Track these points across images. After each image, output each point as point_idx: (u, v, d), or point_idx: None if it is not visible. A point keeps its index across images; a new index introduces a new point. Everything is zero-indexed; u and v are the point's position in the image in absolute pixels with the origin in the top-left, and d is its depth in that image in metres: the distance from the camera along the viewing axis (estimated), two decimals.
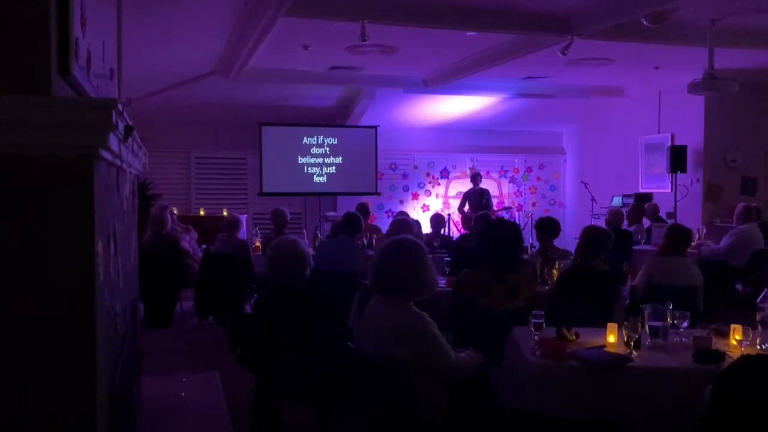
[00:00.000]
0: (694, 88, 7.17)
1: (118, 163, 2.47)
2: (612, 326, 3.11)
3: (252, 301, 7.47)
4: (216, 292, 6.94)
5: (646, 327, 3.06)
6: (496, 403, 2.98)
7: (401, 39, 7.89)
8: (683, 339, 3.12)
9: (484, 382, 3.00)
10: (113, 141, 1.95)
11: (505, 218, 4.48)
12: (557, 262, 4.88)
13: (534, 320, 2.94)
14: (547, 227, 5.46)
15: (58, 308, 1.74)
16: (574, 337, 3.09)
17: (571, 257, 5.09)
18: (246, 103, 11.02)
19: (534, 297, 3.91)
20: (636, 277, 4.94)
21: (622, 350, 2.96)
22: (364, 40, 6.70)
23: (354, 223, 5.62)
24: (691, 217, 10.10)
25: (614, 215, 7.77)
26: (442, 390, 2.84)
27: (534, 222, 5.72)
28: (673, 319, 3.11)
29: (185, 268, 7.38)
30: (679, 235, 4.93)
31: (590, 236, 4.52)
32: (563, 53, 7.45)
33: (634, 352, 2.88)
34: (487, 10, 6.93)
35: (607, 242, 4.55)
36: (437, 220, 7.40)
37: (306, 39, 7.97)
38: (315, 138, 11.66)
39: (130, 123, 2.13)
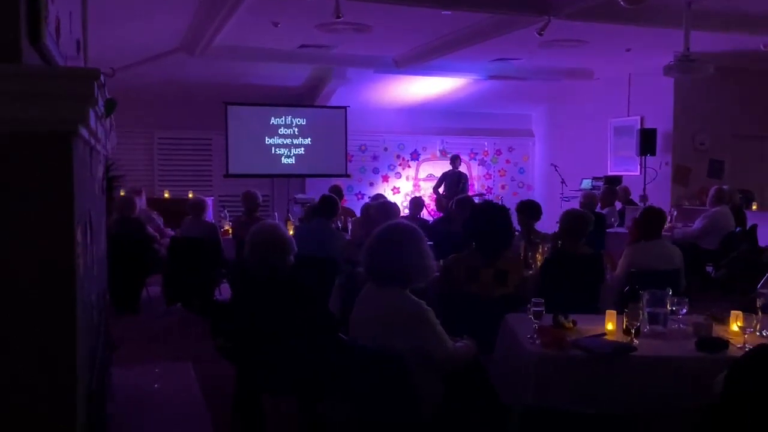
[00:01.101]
0: (669, 70, 7.15)
1: (93, 142, 2.26)
2: (611, 313, 3.02)
3: (220, 287, 7.27)
4: (184, 277, 6.71)
5: (644, 313, 2.98)
6: (492, 393, 2.88)
7: (375, 17, 7.69)
8: (681, 326, 3.05)
9: (479, 372, 2.89)
10: (92, 117, 1.75)
11: (492, 201, 4.39)
12: (540, 246, 4.79)
13: (534, 308, 2.82)
14: (529, 210, 5.38)
15: (36, 305, 1.55)
16: (571, 325, 2.99)
17: (552, 240, 5.01)
18: (211, 81, 10.67)
19: (523, 282, 3.82)
20: (614, 265, 4.89)
21: (621, 338, 2.87)
22: (338, 17, 6.48)
23: (331, 206, 5.44)
24: (660, 200, 10.16)
25: (589, 198, 7.75)
26: (438, 380, 2.72)
27: (515, 206, 5.61)
28: (671, 305, 3.03)
29: (152, 253, 7.12)
30: (654, 218, 4.88)
31: (571, 221, 4.43)
32: (540, 33, 7.35)
33: (635, 341, 2.79)
34: None
35: (588, 226, 4.48)
36: (416, 204, 7.27)
37: (276, 15, 7.71)
38: (283, 118, 11.38)
39: (110, 97, 1.92)
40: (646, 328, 2.96)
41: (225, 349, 3.08)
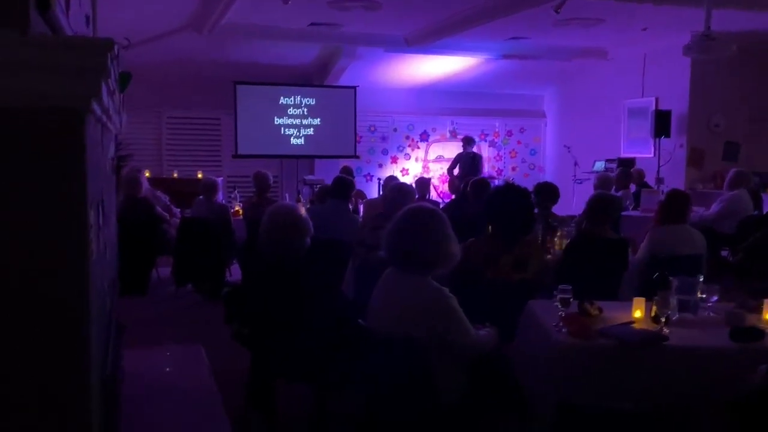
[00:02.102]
0: (689, 49, 6.97)
1: (104, 119, 2.15)
2: (639, 301, 2.91)
3: (231, 268, 7.21)
4: (195, 258, 6.63)
5: (674, 301, 2.87)
6: (516, 382, 2.79)
7: None
8: (711, 314, 2.95)
9: (503, 361, 2.80)
10: (104, 92, 1.64)
11: (514, 183, 4.27)
12: (559, 230, 4.68)
13: (560, 295, 2.72)
14: (547, 193, 5.26)
15: (48, 292, 1.45)
16: (597, 312, 2.89)
17: (573, 224, 4.90)
18: (220, 60, 10.53)
19: (542, 268, 3.71)
20: (635, 249, 4.78)
21: (650, 326, 2.77)
22: None
23: (346, 188, 5.33)
24: (674, 183, 10.00)
25: (603, 180, 7.61)
26: (461, 369, 2.63)
27: (532, 188, 5.49)
28: (702, 292, 2.93)
29: (161, 234, 7.04)
30: (679, 201, 4.76)
31: (596, 203, 4.32)
32: (557, 11, 7.17)
33: (665, 329, 2.69)
34: None
35: (616, 210, 4.37)
36: (422, 184, 7.14)
37: None
38: (292, 98, 11.23)
39: (124, 70, 1.81)
40: (675, 316, 2.86)
41: (240, 334, 3.00)
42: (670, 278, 2.84)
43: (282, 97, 11.20)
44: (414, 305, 2.52)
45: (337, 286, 3.34)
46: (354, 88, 11.34)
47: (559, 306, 2.73)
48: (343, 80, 11.32)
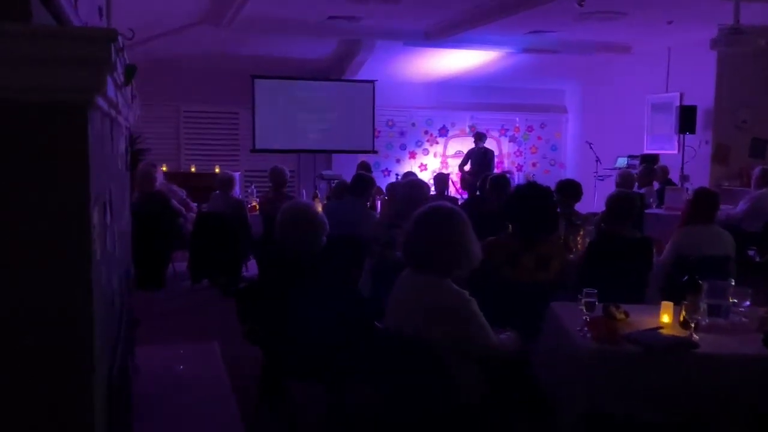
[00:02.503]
0: (717, 43, 6.79)
1: (113, 113, 2.09)
2: (666, 305, 2.80)
3: (247, 264, 7.16)
4: (211, 253, 6.60)
5: (703, 305, 2.75)
6: (538, 386, 2.69)
7: None
8: (743, 319, 2.82)
9: (525, 366, 2.70)
10: (110, 86, 1.57)
11: (537, 182, 4.16)
12: (582, 228, 4.56)
13: (586, 299, 2.62)
14: (569, 190, 5.13)
15: (48, 297, 1.39)
16: (623, 316, 2.78)
17: (594, 222, 4.78)
18: (238, 54, 10.48)
19: (565, 268, 3.60)
20: (661, 249, 4.65)
21: (679, 332, 2.66)
22: None
23: (365, 186, 5.24)
24: (699, 180, 9.80)
25: (625, 178, 7.45)
26: (481, 373, 2.53)
27: (555, 185, 5.36)
28: (733, 296, 2.81)
29: (177, 228, 7.01)
30: (707, 200, 4.63)
31: (615, 202, 4.19)
32: (580, 4, 7.02)
33: (695, 335, 2.58)
34: None
35: (634, 206, 4.24)
36: (441, 180, 7.03)
37: None
38: (310, 92, 11.17)
39: (130, 63, 1.73)
40: (705, 321, 2.74)
41: (253, 333, 2.93)
42: (700, 281, 2.72)
43: (300, 92, 11.13)
44: (433, 308, 2.43)
45: (354, 284, 3.26)
46: (372, 82, 11.24)
47: (584, 310, 2.62)
48: (362, 74, 11.23)
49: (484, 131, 11.17)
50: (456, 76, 11.93)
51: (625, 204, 4.14)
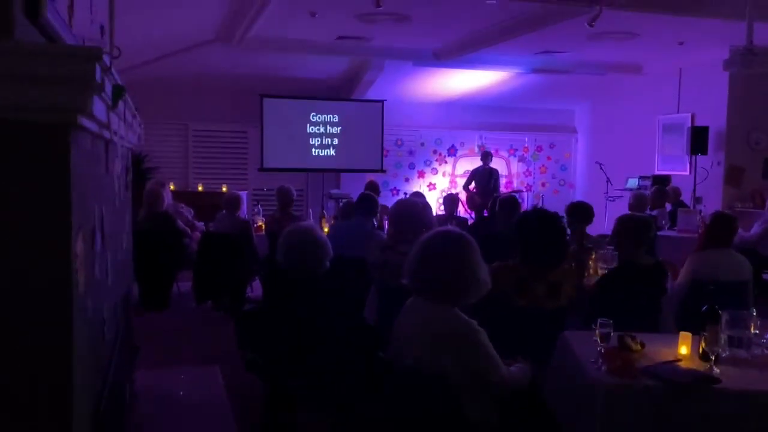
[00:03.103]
0: (730, 64, 6.68)
1: (107, 135, 2.00)
2: (685, 336, 2.67)
3: (252, 284, 7.07)
4: (215, 274, 6.51)
5: (724, 336, 2.62)
6: (550, 419, 2.57)
7: (415, 6, 7.38)
8: (765, 351, 2.69)
9: (537, 396, 2.58)
10: (98, 106, 1.49)
11: (544, 208, 4.03)
12: (593, 251, 4.44)
13: (600, 329, 2.50)
14: (580, 213, 5.01)
15: (22, 333, 1.29)
16: (639, 347, 2.66)
17: (607, 245, 4.66)
18: (247, 73, 10.47)
19: (577, 294, 3.48)
20: (676, 274, 4.52)
21: (698, 365, 2.53)
22: (378, 5, 6.19)
23: (370, 204, 5.15)
24: (712, 202, 9.67)
25: (639, 199, 7.33)
26: (491, 406, 2.42)
27: (565, 208, 5.26)
28: (755, 327, 2.68)
29: (183, 248, 6.93)
30: (724, 224, 4.50)
31: (629, 228, 4.01)
32: (591, 25, 6.94)
33: (716, 369, 2.45)
34: None
35: (649, 232, 4.09)
36: (451, 201, 6.94)
37: (313, 5, 7.45)
38: (319, 111, 11.13)
39: (120, 83, 1.65)
40: (725, 353, 2.61)
41: (254, 363, 2.83)
42: (720, 311, 2.59)
43: (309, 111, 11.10)
44: (440, 339, 2.32)
45: (359, 310, 3.15)
46: (381, 101, 11.20)
47: (599, 341, 2.50)
48: (371, 94, 11.19)
49: (492, 151, 11.07)
50: (465, 96, 11.88)
51: (642, 230, 3.99)
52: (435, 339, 2.32)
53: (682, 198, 9.12)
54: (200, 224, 7.54)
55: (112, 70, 1.48)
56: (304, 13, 7.69)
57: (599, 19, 6.98)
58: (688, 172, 10.05)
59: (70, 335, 1.36)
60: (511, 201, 5.40)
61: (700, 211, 7.90)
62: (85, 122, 1.42)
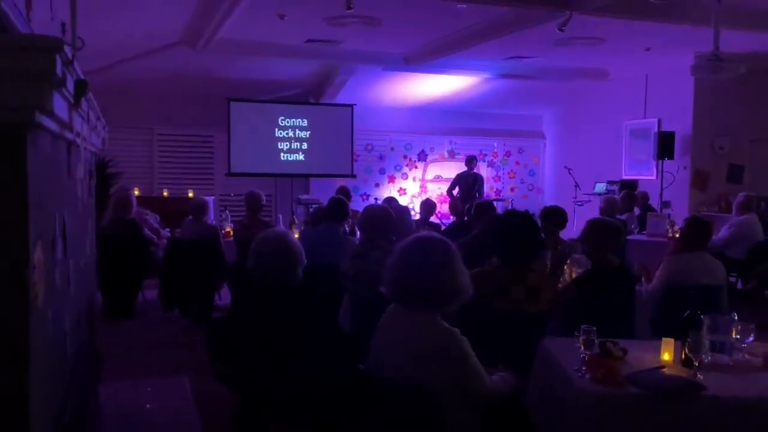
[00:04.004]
0: (698, 69, 6.76)
1: (69, 135, 1.88)
2: (667, 342, 2.63)
3: (220, 292, 6.91)
4: (183, 281, 6.34)
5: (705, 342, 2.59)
6: (533, 429, 2.50)
7: (385, 10, 7.32)
8: (745, 356, 2.67)
9: (519, 406, 2.51)
10: (59, 103, 1.38)
11: (517, 210, 3.98)
12: (568, 255, 4.41)
13: (583, 336, 2.44)
14: (555, 217, 4.99)
15: None
16: (621, 354, 2.61)
17: (581, 249, 4.63)
18: (214, 77, 10.29)
19: (556, 299, 3.44)
20: (650, 277, 4.51)
21: (681, 371, 2.49)
22: (349, 8, 6.11)
23: (340, 209, 5.06)
24: (678, 206, 9.80)
25: (609, 203, 7.36)
26: (473, 417, 2.34)
27: (540, 212, 5.23)
28: (737, 332, 2.65)
29: (149, 255, 6.75)
30: (699, 228, 4.50)
31: (598, 232, 3.99)
32: (561, 29, 6.96)
33: (699, 375, 2.41)
34: None
35: (620, 237, 4.07)
36: (428, 207, 6.88)
37: (282, 7, 7.34)
38: (287, 116, 10.99)
39: (83, 77, 1.54)
40: (707, 359, 2.58)
41: (225, 375, 2.71)
42: (702, 316, 2.56)
43: (277, 115, 10.96)
44: (422, 348, 2.23)
45: (334, 319, 3.06)
46: (351, 106, 11.12)
47: (582, 348, 2.45)
48: (340, 98, 11.11)
49: (462, 157, 11.05)
50: (435, 100, 11.87)
51: (613, 234, 3.98)
52: (417, 349, 2.23)
53: (650, 202, 9.22)
54: (166, 231, 7.34)
55: (75, 64, 1.37)
56: (272, 15, 7.58)
57: (568, 25, 7.01)
58: (654, 177, 10.16)
59: (27, 352, 1.24)
60: (486, 206, 5.36)
61: (669, 216, 7.98)
62: (45, 121, 1.30)
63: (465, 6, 7.08)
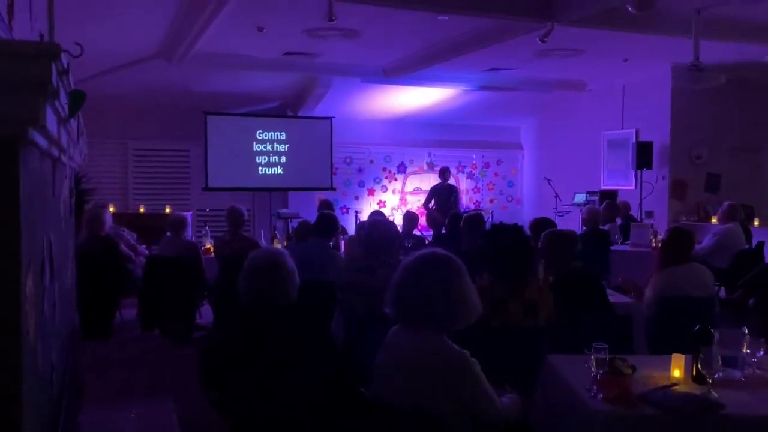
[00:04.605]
0: (678, 80, 6.80)
1: (55, 152, 1.75)
2: (677, 357, 2.56)
3: (201, 310, 6.74)
4: (163, 300, 6.16)
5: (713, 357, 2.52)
6: None
7: (365, 22, 7.25)
8: (756, 371, 2.61)
9: (528, 429, 2.42)
10: (50, 118, 1.25)
11: (507, 224, 3.92)
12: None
13: (595, 355, 2.36)
14: (544, 229, 4.91)
15: None
16: (630, 371, 2.53)
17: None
18: (190, 90, 10.12)
19: (552, 314, 3.36)
20: (639, 291, 4.48)
21: (693, 388, 2.41)
22: (331, 19, 6.02)
23: (330, 225, 4.94)
24: (658, 215, 9.85)
25: (592, 214, 7.34)
26: None
27: (529, 224, 5.17)
28: (747, 346, 2.59)
29: (126, 273, 6.55)
30: (682, 239, 4.47)
31: (555, 244, 4.05)
32: (543, 41, 6.96)
33: (713, 393, 2.34)
34: None
35: (576, 245, 4.09)
36: (411, 219, 6.80)
37: (261, 19, 7.23)
38: (265, 129, 10.85)
39: (78, 88, 1.42)
40: (718, 374, 2.51)
41: (221, 403, 2.57)
42: (712, 330, 2.49)
43: (255, 128, 10.81)
44: (431, 372, 2.12)
45: (331, 341, 2.93)
46: (330, 119, 11.02)
47: (593, 367, 2.36)
48: (319, 111, 11.00)
49: (447, 166, 11.00)
50: (414, 113, 11.84)
51: (573, 243, 4.04)
52: (425, 372, 2.13)
53: (630, 212, 9.24)
54: (143, 248, 7.14)
55: (69, 72, 1.26)
56: (251, 28, 7.47)
57: (549, 36, 7.01)
58: (633, 187, 10.21)
59: (20, 399, 1.11)
60: (477, 218, 5.28)
61: (652, 225, 7.99)
62: (36, 137, 1.18)
63: (447, 17, 7.05)
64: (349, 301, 3.96)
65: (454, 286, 2.17)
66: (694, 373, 2.47)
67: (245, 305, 2.67)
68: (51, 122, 1.32)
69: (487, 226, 5.66)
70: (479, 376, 2.16)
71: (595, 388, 2.35)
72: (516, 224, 3.71)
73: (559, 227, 6.94)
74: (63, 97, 1.30)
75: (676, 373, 2.54)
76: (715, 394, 2.34)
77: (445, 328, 2.19)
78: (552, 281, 3.97)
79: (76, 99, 1.31)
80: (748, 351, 2.60)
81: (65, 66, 1.17)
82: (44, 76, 1.02)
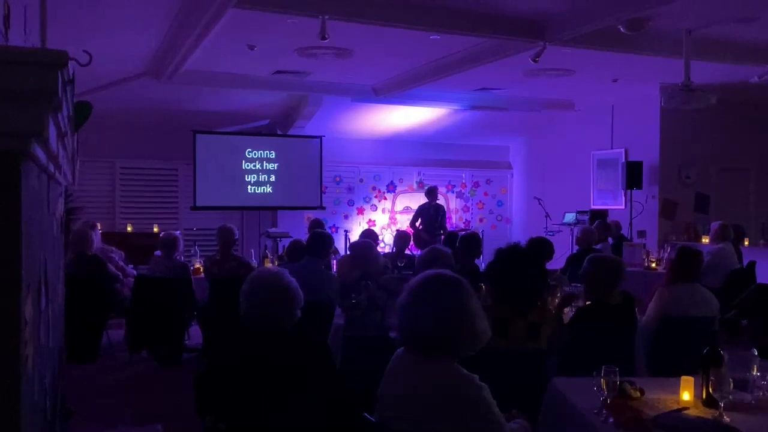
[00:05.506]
0: (670, 100, 6.82)
1: (51, 168, 1.68)
2: (687, 380, 2.50)
3: (189, 331, 6.62)
4: (151, 321, 6.04)
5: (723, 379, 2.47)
6: None
7: (357, 41, 7.24)
8: (766, 394, 2.55)
9: None
10: (51, 131, 1.19)
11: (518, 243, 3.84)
12: (558, 288, 4.30)
13: (605, 377, 2.30)
14: (541, 249, 4.89)
15: None
16: (638, 394, 2.47)
17: (569, 283, 4.54)
18: (179, 108, 10.04)
19: (555, 334, 3.30)
20: (643, 308, 4.43)
21: (704, 411, 2.36)
22: (324, 38, 5.99)
23: (324, 244, 4.87)
24: (648, 235, 9.85)
25: (586, 234, 7.32)
26: None
27: (526, 244, 5.12)
28: (757, 368, 2.54)
29: (114, 294, 6.42)
30: (691, 259, 4.45)
31: (607, 271, 3.84)
32: (534, 60, 6.97)
33: (726, 417, 2.28)
34: (457, 10, 6.36)
35: (622, 274, 3.94)
36: (402, 239, 6.74)
37: (253, 38, 7.20)
38: (255, 147, 10.78)
39: (83, 99, 1.35)
40: (730, 398, 2.45)
41: (217, 429, 2.48)
42: (722, 352, 2.44)
43: (244, 147, 10.74)
44: (438, 399, 2.04)
45: (333, 364, 2.85)
46: (320, 137, 10.97)
47: (604, 390, 2.30)
48: (309, 129, 10.96)
49: (435, 186, 10.95)
50: (403, 132, 11.83)
51: (615, 273, 3.87)
52: (432, 400, 2.04)
53: (622, 232, 9.24)
54: (131, 269, 6.97)
55: (74, 82, 1.19)
56: (241, 46, 7.43)
57: (542, 55, 7.02)
58: (623, 206, 10.23)
59: (18, 422, 1.03)
60: (473, 238, 5.23)
61: (644, 245, 7.98)
62: (38, 151, 1.11)
63: (438, 37, 7.05)
64: (360, 316, 3.89)
65: (464, 312, 2.09)
66: (704, 396, 2.42)
67: (247, 326, 2.59)
68: (51, 135, 1.25)
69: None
70: (491, 402, 2.09)
71: (604, 412, 2.28)
72: (520, 249, 3.62)
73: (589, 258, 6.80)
74: (64, 110, 1.24)
75: (686, 396, 2.48)
76: (728, 418, 2.28)
77: (453, 355, 2.11)
78: (589, 306, 3.86)
79: (82, 111, 1.24)
80: (758, 373, 2.55)
81: (70, 75, 1.10)
82: (50, 86, 0.96)
